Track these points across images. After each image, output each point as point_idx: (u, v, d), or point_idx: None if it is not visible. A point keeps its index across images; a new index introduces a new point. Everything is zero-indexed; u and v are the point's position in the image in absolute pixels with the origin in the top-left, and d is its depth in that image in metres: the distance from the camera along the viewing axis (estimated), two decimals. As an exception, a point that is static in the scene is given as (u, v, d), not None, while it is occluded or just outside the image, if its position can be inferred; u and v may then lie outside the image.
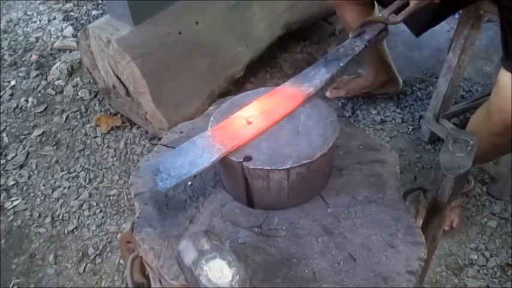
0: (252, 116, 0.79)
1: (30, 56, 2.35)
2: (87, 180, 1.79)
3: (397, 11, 1.02)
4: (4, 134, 1.98)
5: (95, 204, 1.71)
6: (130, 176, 0.85)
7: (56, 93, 2.14)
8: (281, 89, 0.85)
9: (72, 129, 1.99)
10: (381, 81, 1.97)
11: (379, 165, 0.84)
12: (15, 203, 1.72)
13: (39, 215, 1.68)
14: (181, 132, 0.92)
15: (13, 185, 1.78)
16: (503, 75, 1.18)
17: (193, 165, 0.73)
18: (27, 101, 2.11)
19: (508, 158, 1.58)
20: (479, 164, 1.66)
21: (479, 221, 1.61)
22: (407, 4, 1.03)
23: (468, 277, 1.47)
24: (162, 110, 1.72)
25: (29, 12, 2.68)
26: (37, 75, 2.23)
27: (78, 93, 2.13)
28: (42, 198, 1.74)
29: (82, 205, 1.70)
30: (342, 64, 0.89)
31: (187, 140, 0.77)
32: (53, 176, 1.81)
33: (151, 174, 0.75)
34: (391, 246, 0.72)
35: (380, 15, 1.03)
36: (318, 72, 0.87)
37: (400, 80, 2.02)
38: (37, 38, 2.48)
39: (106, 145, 1.91)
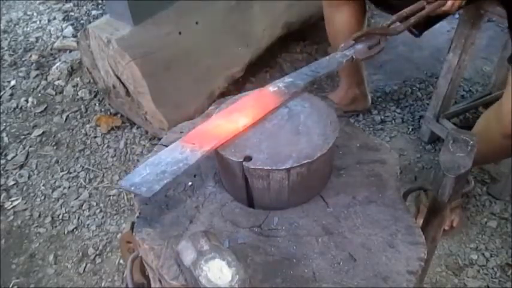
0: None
1: (30, 56, 2.35)
2: (87, 180, 1.79)
3: (402, 19, 0.98)
4: (4, 134, 1.98)
5: (95, 204, 1.71)
6: (130, 176, 0.85)
7: (56, 93, 2.14)
8: (259, 92, 0.84)
9: (72, 129, 1.99)
10: (351, 97, 1.90)
11: (379, 165, 0.84)
12: (15, 203, 1.72)
13: (39, 215, 1.68)
14: (181, 132, 0.92)
15: (13, 185, 1.78)
16: None
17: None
18: (27, 101, 2.11)
19: (508, 158, 1.58)
20: (483, 164, 1.66)
21: (479, 221, 1.61)
22: (415, 13, 1.00)
23: (468, 277, 1.47)
24: (162, 110, 1.72)
25: (29, 12, 2.68)
26: (37, 75, 2.23)
27: (78, 93, 2.13)
28: (42, 198, 1.74)
29: (82, 205, 1.70)
30: (321, 73, 0.88)
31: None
32: (53, 176, 1.81)
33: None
34: (391, 246, 0.72)
35: (380, 25, 0.98)
36: (296, 79, 0.86)
37: (370, 98, 1.96)
38: (37, 38, 2.47)
39: (106, 145, 1.91)
